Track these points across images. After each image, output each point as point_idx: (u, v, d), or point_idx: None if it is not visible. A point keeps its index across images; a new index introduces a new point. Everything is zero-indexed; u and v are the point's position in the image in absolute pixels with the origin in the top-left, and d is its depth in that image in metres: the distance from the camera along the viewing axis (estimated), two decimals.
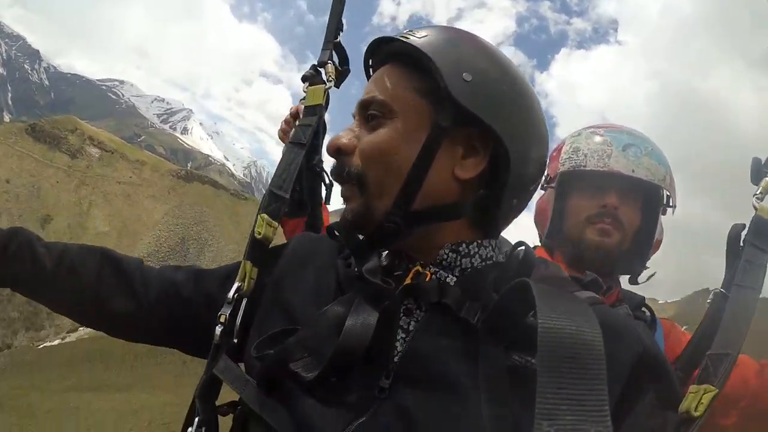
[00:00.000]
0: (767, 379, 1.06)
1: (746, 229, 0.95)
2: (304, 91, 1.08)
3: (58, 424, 10.53)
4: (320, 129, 1.08)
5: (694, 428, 0.71)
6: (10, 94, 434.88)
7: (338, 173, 0.73)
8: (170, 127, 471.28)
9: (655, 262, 1.33)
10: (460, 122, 0.67)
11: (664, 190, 1.25)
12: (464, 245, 0.71)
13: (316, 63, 1.14)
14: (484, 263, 0.72)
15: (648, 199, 1.27)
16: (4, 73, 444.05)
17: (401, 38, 0.71)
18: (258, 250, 0.83)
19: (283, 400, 0.64)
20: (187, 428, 0.74)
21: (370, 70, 0.79)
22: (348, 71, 1.17)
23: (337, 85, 1.14)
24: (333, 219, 1.28)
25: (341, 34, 1.16)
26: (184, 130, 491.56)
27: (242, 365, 0.75)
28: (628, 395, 0.59)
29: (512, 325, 0.60)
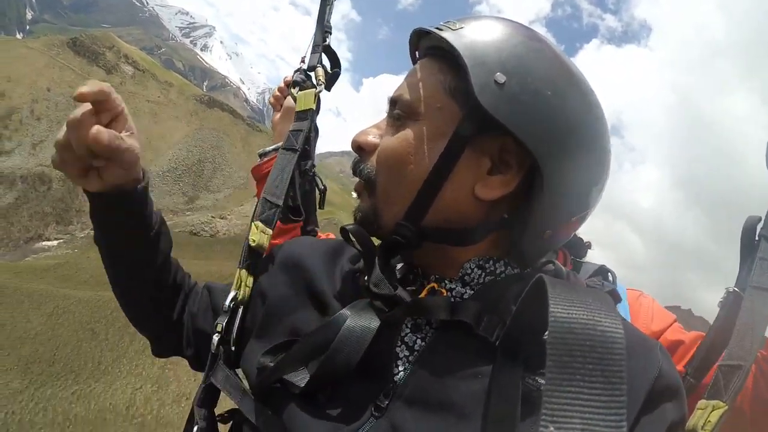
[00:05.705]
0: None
1: (762, 222, 0.83)
2: (294, 97, 1.06)
3: None
4: (312, 134, 1.04)
5: None
6: None
7: (354, 167, 0.68)
8: (191, 42, 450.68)
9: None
10: (486, 131, 0.57)
11: None
12: (491, 262, 0.63)
13: (305, 68, 1.13)
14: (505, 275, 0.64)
15: None
16: None
17: (434, 30, 0.62)
18: (252, 257, 0.79)
19: (278, 412, 0.60)
20: None
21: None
22: (338, 74, 1.14)
23: (328, 88, 1.12)
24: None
25: (329, 36, 1.15)
26: (204, 47, 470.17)
27: (239, 371, 0.72)
28: (641, 422, 0.51)
29: (530, 341, 0.52)
